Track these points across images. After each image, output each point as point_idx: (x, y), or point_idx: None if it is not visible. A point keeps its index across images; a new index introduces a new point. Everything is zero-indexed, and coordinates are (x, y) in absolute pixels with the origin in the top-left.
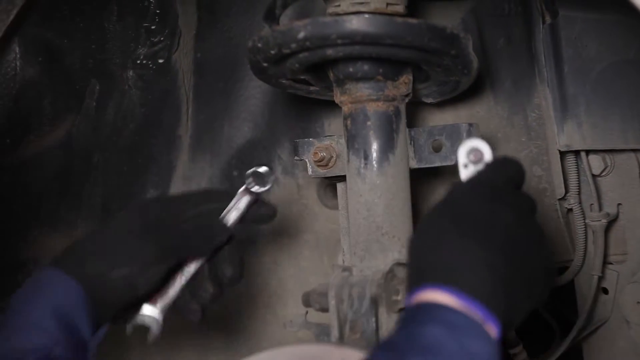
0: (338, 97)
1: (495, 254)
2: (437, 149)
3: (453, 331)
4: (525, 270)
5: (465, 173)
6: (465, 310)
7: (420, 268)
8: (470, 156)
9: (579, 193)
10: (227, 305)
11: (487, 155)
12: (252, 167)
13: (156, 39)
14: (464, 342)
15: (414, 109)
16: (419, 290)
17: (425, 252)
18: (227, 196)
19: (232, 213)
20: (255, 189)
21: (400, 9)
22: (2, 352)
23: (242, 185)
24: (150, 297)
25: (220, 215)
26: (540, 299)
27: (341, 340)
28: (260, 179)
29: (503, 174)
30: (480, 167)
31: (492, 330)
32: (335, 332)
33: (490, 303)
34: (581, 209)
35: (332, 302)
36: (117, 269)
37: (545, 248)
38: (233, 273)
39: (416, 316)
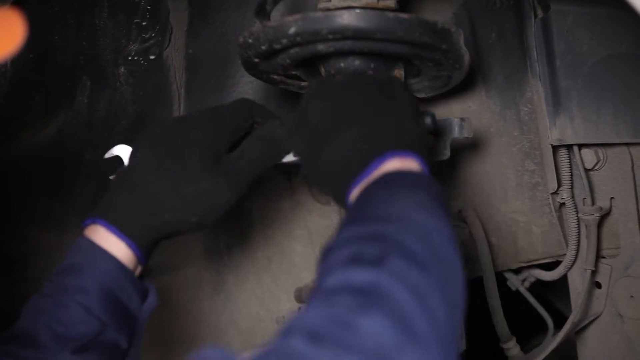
0: None
1: (405, 116)
2: (429, 144)
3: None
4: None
5: None
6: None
7: (381, 134)
8: None
9: (572, 187)
10: (218, 300)
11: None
12: None
13: (147, 35)
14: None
15: None
16: (380, 161)
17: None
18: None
19: None
20: None
21: (391, 3)
22: (49, 340)
23: None
24: None
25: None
26: None
27: None
28: None
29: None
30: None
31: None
32: None
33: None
34: (574, 203)
35: None
36: (190, 220)
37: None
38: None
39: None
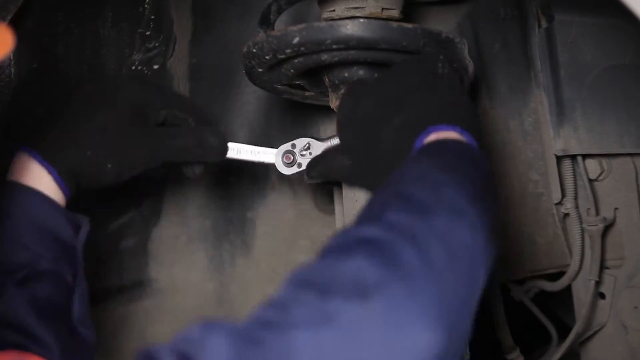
0: (333, 102)
1: (459, 95)
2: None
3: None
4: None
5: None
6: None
7: (422, 114)
8: (284, 159)
9: (576, 197)
10: (222, 311)
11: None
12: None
13: (151, 45)
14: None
15: None
16: (420, 141)
17: (420, 101)
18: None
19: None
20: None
21: (395, 13)
22: None
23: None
24: None
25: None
26: None
27: None
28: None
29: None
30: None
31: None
32: None
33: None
34: (578, 213)
35: None
36: (107, 166)
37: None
38: (219, 142)
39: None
